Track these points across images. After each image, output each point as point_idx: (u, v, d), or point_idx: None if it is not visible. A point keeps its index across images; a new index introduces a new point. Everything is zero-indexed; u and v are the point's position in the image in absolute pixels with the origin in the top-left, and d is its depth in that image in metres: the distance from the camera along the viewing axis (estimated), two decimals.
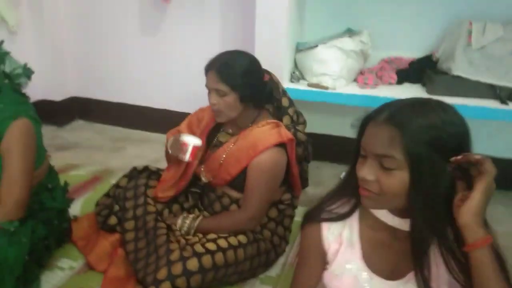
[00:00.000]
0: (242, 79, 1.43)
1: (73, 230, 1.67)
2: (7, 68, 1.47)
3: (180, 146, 1.50)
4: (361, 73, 2.11)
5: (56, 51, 2.78)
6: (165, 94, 2.74)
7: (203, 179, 1.60)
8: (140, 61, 2.73)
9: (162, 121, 2.14)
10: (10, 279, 1.30)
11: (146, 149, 2.58)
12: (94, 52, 2.83)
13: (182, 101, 2.55)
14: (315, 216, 0.94)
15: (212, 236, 1.44)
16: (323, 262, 0.94)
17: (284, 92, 1.67)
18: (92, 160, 2.42)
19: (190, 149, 1.49)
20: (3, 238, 1.30)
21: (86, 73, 2.90)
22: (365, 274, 0.88)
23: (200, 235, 1.46)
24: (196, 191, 1.66)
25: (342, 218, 0.92)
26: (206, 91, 1.50)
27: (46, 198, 1.54)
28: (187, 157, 1.50)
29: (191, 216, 1.53)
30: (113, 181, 1.85)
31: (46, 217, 1.51)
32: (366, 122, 0.83)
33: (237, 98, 1.45)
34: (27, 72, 1.51)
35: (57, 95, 2.84)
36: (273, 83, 1.61)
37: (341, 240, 0.92)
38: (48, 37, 2.71)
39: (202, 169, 1.60)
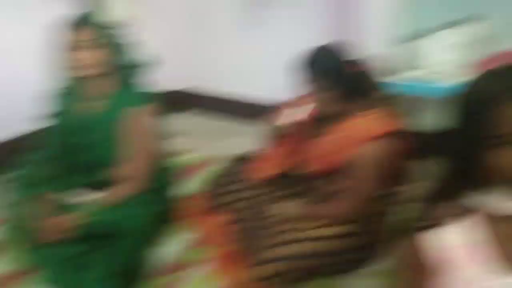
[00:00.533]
0: (333, 76, 1.45)
1: (185, 207, 1.85)
2: (130, 59, 1.64)
3: (300, 103, 1.55)
4: (473, 66, 1.97)
5: (173, 43, 3.04)
6: (271, 87, 2.80)
7: (302, 169, 1.64)
8: (250, 55, 2.92)
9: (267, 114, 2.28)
10: (139, 245, 1.51)
11: (251, 140, 2.72)
12: (209, 45, 3.08)
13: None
14: (425, 225, 0.86)
15: (308, 225, 1.47)
16: (440, 274, 0.85)
17: (382, 84, 1.62)
18: (203, 146, 2.67)
19: (308, 106, 1.54)
20: (134, 208, 1.51)
21: (198, 66, 3.16)
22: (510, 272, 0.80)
23: (297, 225, 1.49)
24: (294, 181, 1.71)
25: (458, 219, 0.84)
26: None
27: (158, 177, 1.71)
28: (305, 109, 1.54)
29: (288, 204, 1.59)
30: (222, 166, 1.98)
31: (158, 195, 1.69)
32: (491, 106, 0.73)
33: (332, 94, 1.46)
34: (149, 63, 1.67)
35: (173, 85, 3.13)
36: (371, 75, 1.57)
37: (468, 242, 0.83)
38: (167, 30, 2.99)
39: (301, 159, 1.64)
